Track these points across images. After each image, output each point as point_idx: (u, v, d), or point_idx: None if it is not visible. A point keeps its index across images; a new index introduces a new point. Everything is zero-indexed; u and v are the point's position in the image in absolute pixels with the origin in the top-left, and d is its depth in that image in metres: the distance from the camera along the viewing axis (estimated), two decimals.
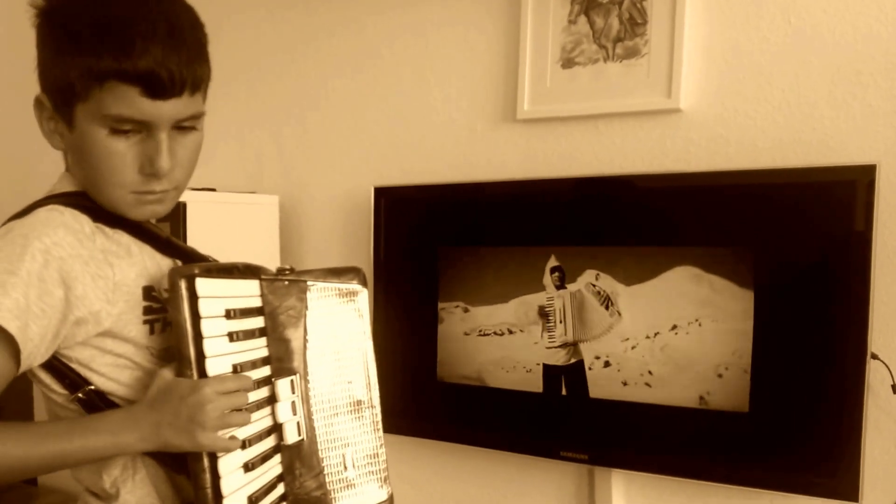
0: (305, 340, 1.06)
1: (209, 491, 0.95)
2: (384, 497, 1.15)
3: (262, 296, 1.03)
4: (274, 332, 1.04)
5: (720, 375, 1.56)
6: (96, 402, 0.98)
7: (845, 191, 1.44)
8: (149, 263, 1.03)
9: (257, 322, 1.02)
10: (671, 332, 1.60)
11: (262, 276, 1.04)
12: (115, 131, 0.93)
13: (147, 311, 1.00)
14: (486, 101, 1.98)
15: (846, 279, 1.45)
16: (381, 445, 1.15)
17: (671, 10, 1.71)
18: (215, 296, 0.96)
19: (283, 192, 2.30)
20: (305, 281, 1.07)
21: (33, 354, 0.90)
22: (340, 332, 1.11)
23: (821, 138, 1.56)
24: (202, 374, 0.95)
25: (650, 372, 1.63)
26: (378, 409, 1.15)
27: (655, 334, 1.62)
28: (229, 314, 0.98)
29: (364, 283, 1.15)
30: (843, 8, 1.56)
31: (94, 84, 0.91)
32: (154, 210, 1.01)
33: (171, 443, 0.95)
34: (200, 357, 0.94)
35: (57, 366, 0.97)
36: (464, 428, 1.91)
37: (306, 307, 1.07)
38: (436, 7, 2.05)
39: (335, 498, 1.08)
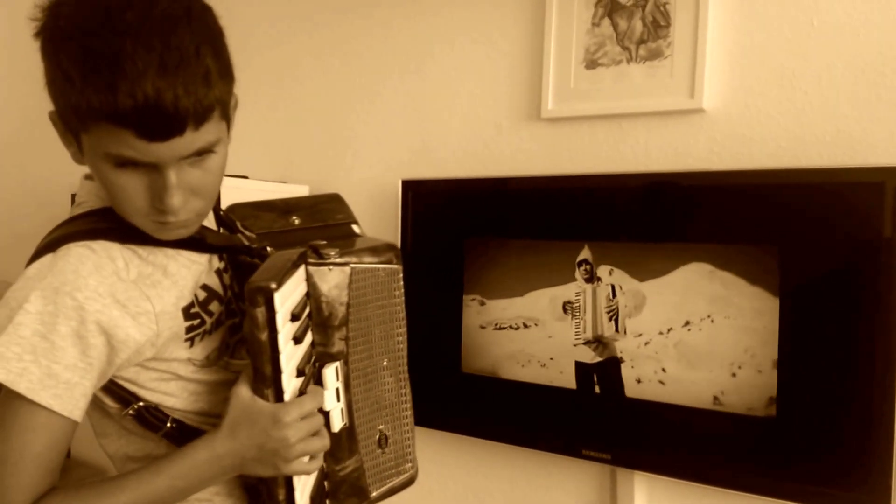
0: (347, 325, 1.02)
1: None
2: (411, 473, 1.15)
3: (307, 280, 0.99)
4: (318, 316, 1.00)
5: (733, 375, 1.51)
6: (147, 417, 0.97)
7: (872, 192, 1.39)
8: (187, 276, 0.97)
9: (306, 310, 0.99)
10: (684, 327, 1.56)
11: (308, 262, 0.99)
12: (121, 165, 0.84)
13: (188, 329, 0.96)
14: (512, 99, 1.95)
15: (873, 282, 1.38)
16: (409, 423, 1.13)
17: (694, 13, 1.67)
18: (284, 302, 0.92)
19: (313, 182, 2.29)
20: (347, 264, 1.02)
21: (86, 404, 0.89)
22: (378, 314, 1.08)
23: (845, 139, 1.52)
24: (278, 389, 0.92)
25: (664, 369, 1.59)
26: (409, 388, 1.14)
27: (669, 330, 1.58)
28: (293, 316, 0.94)
29: (400, 261, 1.11)
30: (866, 9, 1.51)
31: (89, 122, 0.82)
32: (179, 234, 0.93)
33: (256, 473, 0.94)
34: (277, 373, 0.91)
35: (106, 384, 0.95)
36: (487, 422, 1.87)
37: (347, 291, 1.03)
38: (464, 10, 2.02)
39: (369, 475, 1.07)
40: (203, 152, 0.86)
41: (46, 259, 0.88)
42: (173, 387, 0.98)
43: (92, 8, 0.80)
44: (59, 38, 0.81)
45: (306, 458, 0.95)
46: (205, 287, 0.99)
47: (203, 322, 0.98)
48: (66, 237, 0.90)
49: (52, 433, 0.86)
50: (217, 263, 1.02)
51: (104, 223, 0.92)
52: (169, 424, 0.97)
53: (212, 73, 0.82)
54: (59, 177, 2.75)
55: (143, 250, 0.93)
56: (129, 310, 0.89)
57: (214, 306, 0.99)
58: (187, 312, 0.96)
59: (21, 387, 0.83)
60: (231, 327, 1.03)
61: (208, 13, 0.86)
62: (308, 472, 0.96)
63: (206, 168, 0.88)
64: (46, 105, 0.88)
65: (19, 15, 2.90)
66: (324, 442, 0.96)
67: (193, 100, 0.80)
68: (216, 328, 1.00)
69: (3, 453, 0.86)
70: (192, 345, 0.97)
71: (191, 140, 0.83)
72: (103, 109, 0.78)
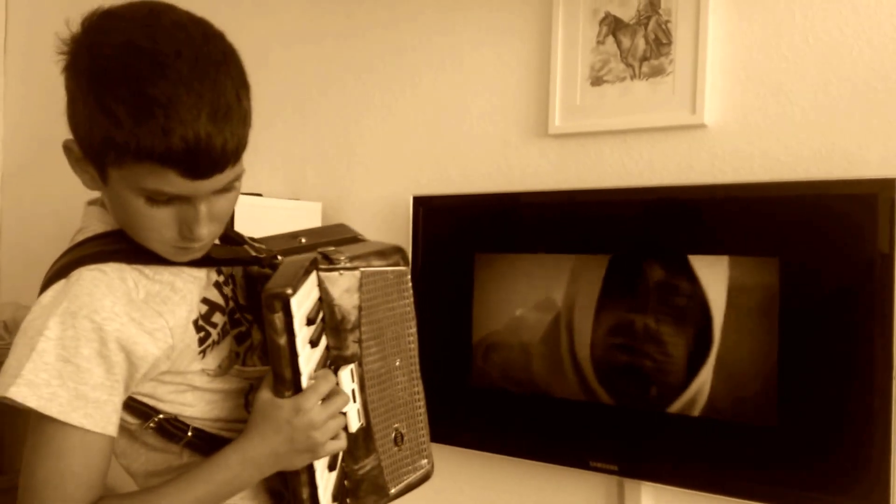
0: (359, 327, 1.04)
1: None
2: (428, 468, 1.17)
3: (319, 286, 1.01)
4: (331, 320, 1.02)
5: (735, 384, 1.54)
6: (167, 428, 0.99)
7: (866, 204, 1.42)
8: (193, 290, 0.99)
9: (320, 314, 1.01)
10: (692, 337, 1.59)
11: (319, 268, 1.01)
12: (153, 200, 0.87)
13: (200, 342, 0.98)
14: (520, 116, 2.00)
15: (869, 291, 1.42)
16: (423, 421, 1.16)
17: (694, 31, 1.72)
18: (300, 307, 0.94)
19: (326, 199, 2.32)
20: (357, 268, 1.04)
21: (118, 419, 0.92)
22: (388, 315, 1.10)
23: (841, 153, 1.56)
24: (298, 390, 0.94)
25: (666, 380, 1.62)
26: (421, 386, 1.16)
27: (675, 340, 1.61)
28: (308, 320, 0.96)
29: (407, 262, 1.14)
30: (860, 28, 1.56)
31: (128, 160, 0.83)
32: (195, 255, 0.97)
33: (294, 465, 0.97)
34: (297, 375, 0.94)
35: (125, 401, 0.96)
36: (496, 436, 1.89)
37: (358, 295, 1.04)
38: (473, 30, 2.07)
39: (387, 472, 1.09)
40: (232, 184, 0.92)
41: (59, 285, 0.90)
42: (190, 397, 1.00)
43: (138, 54, 0.83)
44: (104, 78, 0.83)
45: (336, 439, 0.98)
46: (205, 300, 1.01)
47: (209, 334, 1.00)
48: (75, 262, 0.92)
49: (88, 451, 0.89)
50: (215, 277, 1.04)
51: (111, 245, 0.94)
52: (189, 433, 0.99)
53: (248, 114, 0.89)
54: (76, 193, 2.78)
55: (149, 270, 0.95)
56: (145, 327, 0.91)
57: (217, 318, 1.01)
58: (196, 325, 0.98)
59: (53, 410, 0.85)
60: (237, 336, 1.05)
61: (234, 52, 0.91)
62: (341, 449, 0.99)
63: (228, 197, 0.93)
64: (61, 124, 0.90)
65: (37, 37, 2.94)
66: (345, 419, 1.00)
67: (237, 141, 0.86)
68: (223, 338, 1.03)
69: (45, 476, 0.88)
70: (204, 356, 0.99)
71: (227, 175, 0.88)
72: (155, 151, 0.81)
